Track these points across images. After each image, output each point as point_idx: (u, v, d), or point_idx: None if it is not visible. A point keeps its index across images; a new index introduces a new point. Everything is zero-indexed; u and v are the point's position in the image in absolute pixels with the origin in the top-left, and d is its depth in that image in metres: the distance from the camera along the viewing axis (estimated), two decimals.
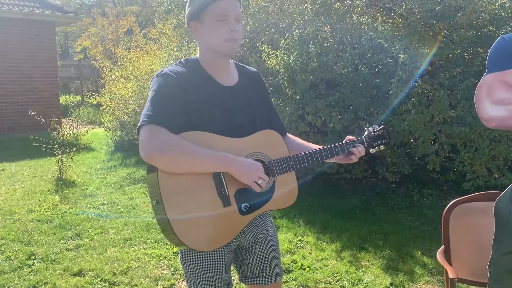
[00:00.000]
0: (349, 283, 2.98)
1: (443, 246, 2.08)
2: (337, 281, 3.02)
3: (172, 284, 2.99)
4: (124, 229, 3.97)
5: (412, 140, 4.78)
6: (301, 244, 3.63)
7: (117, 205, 4.67)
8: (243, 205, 1.52)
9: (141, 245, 3.61)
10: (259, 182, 1.48)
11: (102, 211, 4.47)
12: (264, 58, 5.10)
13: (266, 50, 5.06)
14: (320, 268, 3.19)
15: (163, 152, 1.37)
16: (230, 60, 1.63)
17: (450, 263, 2.06)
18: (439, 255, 2.04)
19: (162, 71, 1.49)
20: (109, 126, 7.95)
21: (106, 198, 4.97)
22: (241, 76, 1.63)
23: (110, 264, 3.25)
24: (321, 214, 4.35)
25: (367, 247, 3.55)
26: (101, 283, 2.98)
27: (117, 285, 2.95)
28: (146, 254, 3.42)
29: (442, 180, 5.14)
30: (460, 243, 2.07)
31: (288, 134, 1.81)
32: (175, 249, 3.48)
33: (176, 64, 1.54)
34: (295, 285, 2.96)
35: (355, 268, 3.19)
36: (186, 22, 1.57)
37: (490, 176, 4.37)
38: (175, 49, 7.01)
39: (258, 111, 1.65)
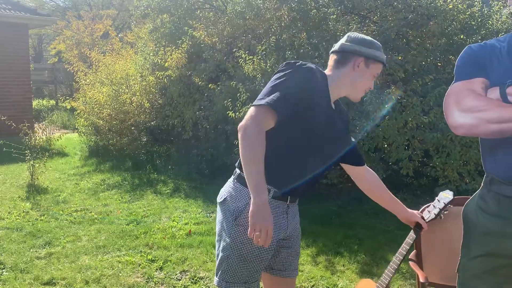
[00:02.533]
0: None
1: (415, 251, 2.12)
2: (312, 286, 3.03)
3: None
4: (98, 236, 3.89)
5: (386, 145, 4.85)
6: None
7: (91, 212, 4.58)
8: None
9: (115, 252, 3.55)
10: (254, 234, 1.45)
11: (75, 218, 4.37)
12: (241, 63, 5.10)
13: (243, 55, 5.07)
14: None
15: (247, 136, 1.49)
16: None
17: (422, 267, 2.10)
18: (411, 260, 2.07)
19: (300, 64, 1.63)
20: (84, 131, 7.81)
21: (79, 204, 4.87)
22: (336, 106, 1.77)
23: (83, 272, 3.18)
24: None
25: (342, 251, 3.58)
26: None
27: None
28: (120, 262, 3.36)
29: (416, 185, 5.23)
30: (432, 247, 2.11)
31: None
32: (149, 257, 3.44)
33: (314, 69, 1.64)
34: None
35: (330, 273, 3.21)
36: (352, 50, 1.68)
37: (462, 181, 4.48)
38: (151, 54, 6.96)
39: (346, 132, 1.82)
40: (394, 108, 4.59)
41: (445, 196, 2.06)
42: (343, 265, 3.34)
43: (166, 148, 6.93)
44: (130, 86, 6.90)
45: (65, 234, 3.92)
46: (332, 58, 1.73)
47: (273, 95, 1.53)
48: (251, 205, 1.44)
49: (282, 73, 1.60)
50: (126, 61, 7.27)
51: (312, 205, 4.80)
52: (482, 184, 1.60)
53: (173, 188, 5.28)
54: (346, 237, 3.87)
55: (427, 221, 2.05)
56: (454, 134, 4.49)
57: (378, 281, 2.11)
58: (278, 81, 1.58)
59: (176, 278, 3.14)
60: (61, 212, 4.57)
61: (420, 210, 2.17)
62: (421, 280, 1.87)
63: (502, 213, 1.52)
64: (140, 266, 3.31)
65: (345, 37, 1.73)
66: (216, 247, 1.70)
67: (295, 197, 1.72)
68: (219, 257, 1.66)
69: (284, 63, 1.66)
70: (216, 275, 1.68)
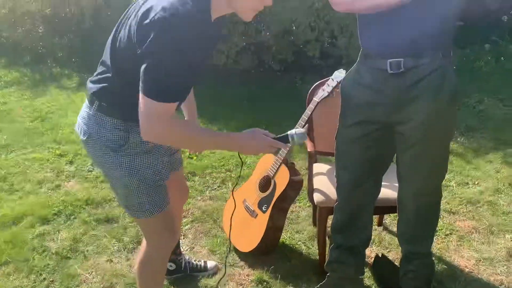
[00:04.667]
0: (233, 165, 3.22)
1: (307, 125, 2.30)
2: (222, 165, 3.23)
3: (58, 186, 2.96)
4: None
5: (294, 28, 4.89)
6: None
7: None
8: None
9: (20, 150, 3.44)
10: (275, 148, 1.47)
11: None
12: None
13: None
14: (208, 156, 3.37)
15: (164, 139, 1.37)
16: None
17: (313, 139, 2.30)
18: None
19: (182, 15, 1.21)
20: None
21: None
22: None
23: None
24: (210, 105, 4.42)
25: None
26: None
27: None
28: (26, 159, 3.28)
29: (323, 65, 5.44)
30: (323, 121, 2.30)
31: None
32: (57, 152, 3.39)
33: (192, 4, 1.24)
34: (184, 174, 3.10)
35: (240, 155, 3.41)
36: None
37: None
38: None
39: None
40: None
41: (339, 74, 2.18)
42: None
43: (68, 39, 6.40)
44: None
45: None
46: None
47: (170, 84, 1.25)
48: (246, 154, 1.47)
49: (159, 39, 1.21)
50: None
51: (225, 91, 4.87)
52: (358, 58, 1.73)
53: (79, 82, 5.02)
54: (256, 120, 4.03)
55: (320, 99, 2.19)
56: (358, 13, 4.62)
57: (278, 155, 2.29)
58: (166, 59, 1.22)
59: (88, 170, 3.16)
60: None
61: (311, 88, 2.30)
62: (309, 149, 2.07)
63: (375, 85, 1.68)
64: (49, 161, 3.26)
65: None
66: (110, 186, 1.60)
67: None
68: (120, 194, 1.55)
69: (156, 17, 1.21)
70: (129, 210, 1.56)
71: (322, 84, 2.25)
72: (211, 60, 4.79)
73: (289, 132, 1.46)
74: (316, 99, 2.20)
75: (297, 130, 1.47)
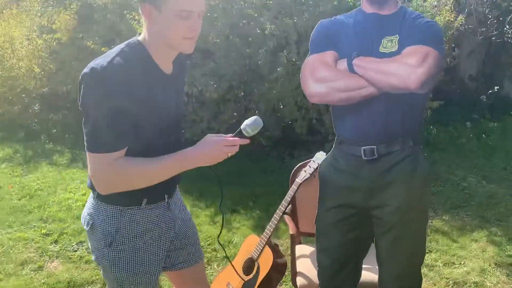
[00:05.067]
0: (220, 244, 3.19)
1: (290, 205, 2.34)
2: (209, 244, 3.21)
3: (40, 267, 2.91)
4: None
5: (281, 106, 5.09)
6: None
7: None
8: None
9: (5, 230, 3.40)
10: (229, 153, 1.40)
11: None
12: (134, 25, 4.94)
13: (136, 17, 4.90)
14: None
15: (110, 188, 1.35)
16: None
17: (297, 220, 2.33)
18: (286, 213, 2.28)
19: (95, 70, 1.25)
20: None
21: None
22: (175, 63, 1.46)
23: None
24: (199, 181, 4.46)
25: (239, 209, 3.79)
26: None
27: None
28: (10, 239, 3.24)
29: (311, 141, 5.59)
30: (306, 202, 2.34)
31: None
32: (43, 231, 3.36)
33: (113, 60, 1.27)
34: None
35: (226, 230, 3.41)
36: None
37: None
38: (38, 14, 6.43)
39: (182, 94, 1.58)
40: (288, 70, 4.79)
41: (320, 157, 2.27)
42: (239, 222, 3.56)
43: (63, 115, 6.58)
44: (16, 50, 6.35)
45: None
46: None
47: (97, 137, 1.28)
48: (202, 165, 1.37)
49: (89, 96, 1.27)
50: (9, 22, 6.63)
51: (214, 167, 4.94)
52: (334, 145, 1.82)
53: (71, 158, 5.09)
54: (243, 195, 4.08)
55: (302, 181, 2.25)
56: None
57: (261, 236, 2.31)
58: (95, 111, 1.26)
59: (72, 249, 3.12)
60: None
61: (294, 169, 2.38)
62: (291, 232, 2.10)
63: (350, 170, 1.75)
64: (34, 241, 3.23)
65: None
66: (102, 273, 1.58)
67: (172, 190, 1.56)
68: (108, 280, 1.53)
69: (81, 74, 1.28)
70: None
71: (304, 165, 2.32)
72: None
73: (241, 126, 1.41)
74: (298, 180, 2.26)
75: (247, 120, 1.41)
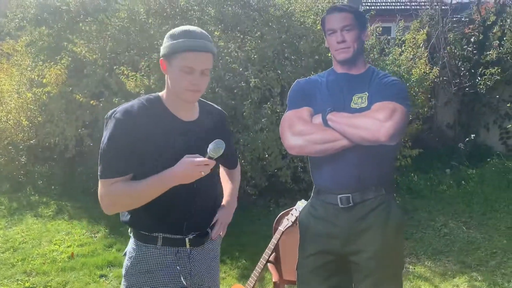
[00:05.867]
0: None
1: (274, 254, 2.40)
2: None
3: None
4: None
5: (267, 155, 5.22)
6: None
7: None
8: None
9: None
10: (202, 172, 1.45)
11: None
12: (123, 80, 5.12)
13: (125, 72, 5.09)
14: None
15: (110, 208, 1.52)
16: None
17: (280, 267, 2.39)
18: (270, 262, 2.34)
19: (115, 112, 1.49)
20: None
21: None
22: (202, 112, 1.63)
23: None
24: None
25: (225, 259, 3.80)
26: None
27: None
28: None
29: (296, 189, 5.68)
30: (289, 250, 2.40)
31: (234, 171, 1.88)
32: (26, 284, 3.33)
33: (133, 104, 1.51)
34: None
35: None
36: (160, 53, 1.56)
37: None
38: (28, 68, 6.60)
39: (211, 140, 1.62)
40: (272, 121, 4.97)
41: (301, 205, 2.37)
42: (225, 272, 3.57)
43: (49, 167, 6.60)
44: (5, 103, 6.46)
45: None
46: None
47: (103, 164, 1.49)
48: (180, 182, 1.46)
49: (104, 133, 1.51)
50: (0, 75, 6.80)
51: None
52: (312, 194, 1.92)
53: (56, 210, 5.07)
54: (229, 245, 4.09)
55: (284, 229, 2.34)
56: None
57: (246, 285, 2.35)
58: (102, 145, 1.50)
59: None
60: None
61: (277, 218, 2.46)
62: (273, 279, 2.15)
63: (328, 218, 1.84)
64: None
65: None
66: None
67: (197, 238, 1.60)
68: None
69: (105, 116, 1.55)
70: None
71: (287, 213, 2.41)
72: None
73: (207, 151, 1.48)
74: (281, 228, 2.34)
75: (210, 145, 1.48)
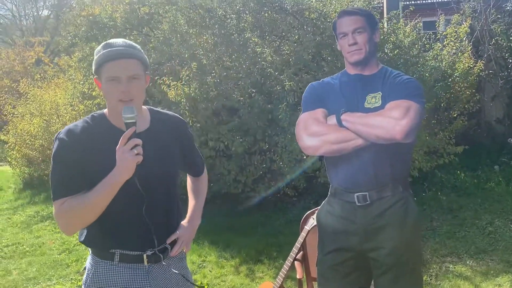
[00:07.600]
0: None
1: (301, 252, 2.47)
2: None
3: None
4: (28, 268, 3.98)
5: (304, 157, 5.27)
6: (204, 264, 3.90)
7: (23, 245, 4.63)
8: None
9: (45, 282, 3.67)
10: (136, 153, 1.41)
11: (5, 253, 4.41)
12: (164, 89, 5.36)
13: (166, 82, 5.33)
14: (218, 284, 3.48)
15: (68, 227, 1.51)
16: (144, 107, 1.60)
17: (308, 265, 2.45)
18: (297, 259, 2.41)
19: (60, 133, 1.51)
20: (16, 163, 7.71)
21: (10, 239, 4.89)
22: (154, 120, 1.60)
23: None
24: (225, 233, 4.65)
25: (263, 259, 3.90)
26: None
27: None
28: None
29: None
30: (315, 247, 2.46)
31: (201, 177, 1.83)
32: (79, 283, 3.59)
33: (77, 124, 1.53)
34: None
35: (249, 280, 3.52)
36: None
37: None
38: (80, 82, 7.06)
39: (171, 153, 1.61)
40: None
41: None
42: (262, 272, 3.67)
43: None
44: (60, 116, 6.95)
45: None
46: None
47: (53, 185, 1.48)
48: (126, 177, 1.41)
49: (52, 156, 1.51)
50: (55, 91, 7.31)
51: (241, 218, 5.11)
52: (329, 192, 1.98)
53: None
54: (268, 245, 4.20)
55: (310, 227, 2.41)
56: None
57: (274, 282, 2.43)
58: (50, 167, 1.51)
59: None
60: None
61: (303, 217, 2.53)
62: (298, 276, 2.22)
63: (346, 215, 1.89)
64: None
65: None
66: None
67: (156, 255, 1.54)
68: None
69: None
70: None
71: (313, 213, 2.47)
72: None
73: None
74: (307, 227, 2.41)
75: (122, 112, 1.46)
